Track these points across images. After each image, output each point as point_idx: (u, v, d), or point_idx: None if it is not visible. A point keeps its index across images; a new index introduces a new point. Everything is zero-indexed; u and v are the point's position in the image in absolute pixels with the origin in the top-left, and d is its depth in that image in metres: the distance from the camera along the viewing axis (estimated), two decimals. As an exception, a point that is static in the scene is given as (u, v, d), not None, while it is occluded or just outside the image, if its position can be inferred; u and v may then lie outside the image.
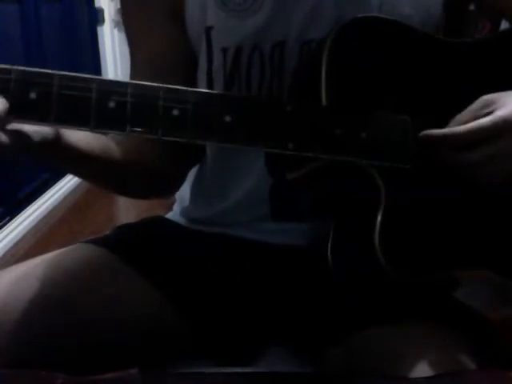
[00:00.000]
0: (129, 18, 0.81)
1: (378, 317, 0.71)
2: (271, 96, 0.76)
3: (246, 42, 0.74)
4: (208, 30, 0.74)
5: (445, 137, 0.63)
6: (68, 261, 0.79)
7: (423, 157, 0.65)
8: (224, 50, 0.74)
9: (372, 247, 0.61)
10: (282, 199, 0.79)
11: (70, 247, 0.82)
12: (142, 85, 0.57)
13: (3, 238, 2.49)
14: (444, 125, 0.65)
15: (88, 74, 0.57)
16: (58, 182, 3.10)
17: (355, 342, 0.71)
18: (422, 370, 0.64)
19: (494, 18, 0.98)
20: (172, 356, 0.80)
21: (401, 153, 0.65)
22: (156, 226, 0.89)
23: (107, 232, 0.87)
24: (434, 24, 0.75)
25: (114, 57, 3.82)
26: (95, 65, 3.65)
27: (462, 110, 0.64)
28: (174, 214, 0.92)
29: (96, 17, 3.63)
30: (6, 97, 0.53)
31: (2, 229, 2.51)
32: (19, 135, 0.56)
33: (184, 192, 0.90)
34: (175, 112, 0.57)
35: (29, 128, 0.57)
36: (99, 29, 3.69)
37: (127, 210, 2.96)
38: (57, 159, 0.65)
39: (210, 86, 0.76)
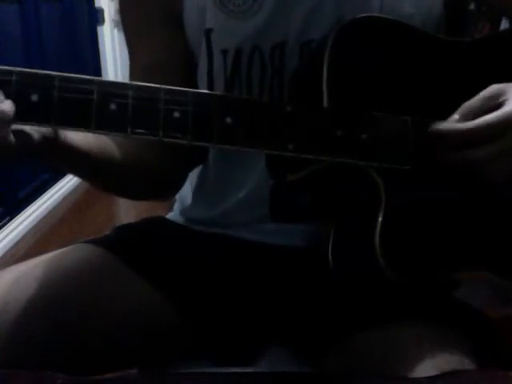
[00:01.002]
0: (126, 19, 0.81)
1: (378, 317, 0.71)
2: (272, 97, 0.76)
3: (245, 44, 0.73)
4: (208, 32, 0.74)
5: (455, 133, 0.63)
6: (68, 261, 0.79)
7: (424, 157, 0.65)
8: (224, 52, 0.74)
9: (372, 248, 0.61)
10: (282, 200, 0.79)
11: (70, 247, 0.82)
12: (143, 86, 0.58)
13: (3, 238, 2.49)
14: None
15: (88, 73, 0.57)
16: (58, 182, 3.10)
17: (355, 342, 0.71)
18: (422, 369, 0.64)
19: (493, 18, 0.98)
20: (172, 356, 0.80)
21: (401, 153, 0.64)
22: (156, 226, 0.89)
23: (107, 232, 0.87)
24: (434, 24, 0.75)
25: (114, 57, 3.82)
26: (95, 65, 3.65)
27: None
28: (174, 214, 0.92)
29: (96, 17, 3.64)
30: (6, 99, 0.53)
31: (2, 229, 2.51)
32: (20, 134, 0.56)
33: (185, 192, 0.90)
34: (176, 114, 0.57)
35: (29, 127, 0.57)
36: (99, 29, 3.69)
37: (127, 210, 2.96)
38: (56, 158, 0.65)
39: (210, 87, 0.76)
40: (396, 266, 0.62)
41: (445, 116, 0.64)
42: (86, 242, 0.82)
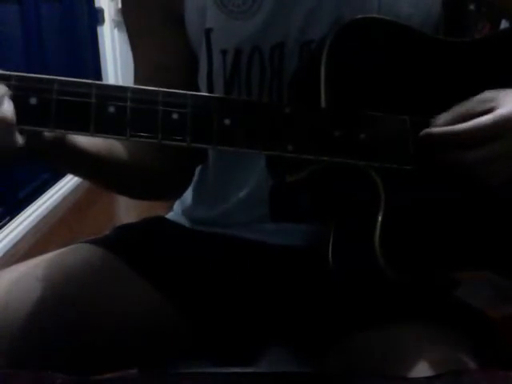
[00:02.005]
0: (128, 20, 0.82)
1: (378, 317, 0.71)
2: (271, 97, 0.76)
3: (245, 44, 0.73)
4: (207, 32, 0.74)
5: (446, 135, 0.63)
6: (68, 261, 0.79)
7: (423, 157, 0.65)
8: (223, 52, 0.74)
9: (372, 248, 0.61)
10: (282, 200, 0.79)
11: (70, 247, 0.82)
12: (141, 89, 0.58)
13: (3, 238, 2.49)
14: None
15: (88, 73, 0.57)
16: (58, 182, 3.10)
17: (355, 341, 0.71)
18: (422, 369, 0.64)
19: (493, 18, 0.98)
20: (172, 356, 0.80)
21: (401, 153, 0.65)
22: (156, 226, 0.89)
23: (107, 232, 0.87)
24: (433, 24, 0.75)
25: (114, 57, 3.81)
26: (95, 65, 3.65)
27: None
28: (174, 214, 0.92)
29: (96, 17, 3.63)
30: None
31: (2, 229, 2.51)
32: (30, 136, 0.56)
33: (185, 192, 0.90)
34: (175, 116, 0.58)
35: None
36: (99, 29, 3.68)
37: (128, 210, 2.96)
38: (60, 158, 0.65)
39: (210, 87, 0.76)
40: (396, 265, 0.62)
41: None
42: (86, 242, 0.83)
